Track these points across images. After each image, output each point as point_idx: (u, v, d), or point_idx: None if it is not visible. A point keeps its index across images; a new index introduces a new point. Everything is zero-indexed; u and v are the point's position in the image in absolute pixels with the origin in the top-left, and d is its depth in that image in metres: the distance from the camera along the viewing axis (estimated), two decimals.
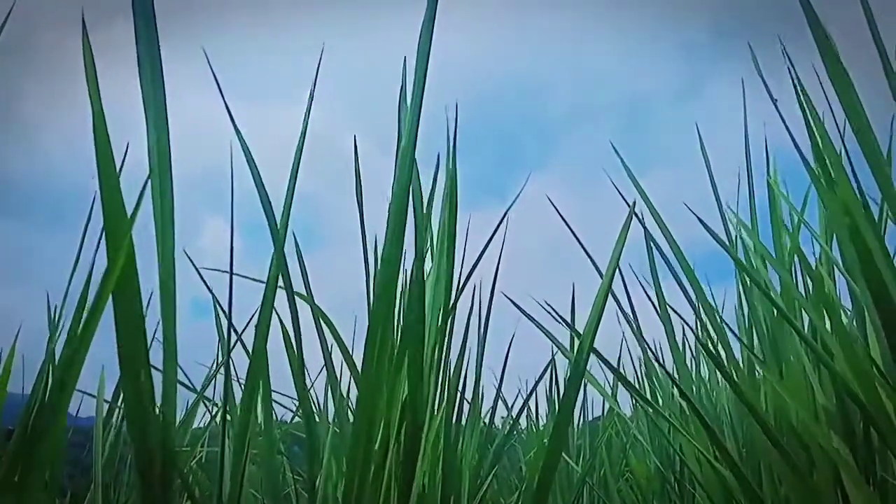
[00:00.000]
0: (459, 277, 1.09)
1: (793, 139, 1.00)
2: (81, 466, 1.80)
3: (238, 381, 1.12)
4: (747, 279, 1.28)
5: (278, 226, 0.84)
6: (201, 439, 1.94)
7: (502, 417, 2.09)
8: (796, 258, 1.27)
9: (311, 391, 1.58)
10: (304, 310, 1.08)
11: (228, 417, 0.91)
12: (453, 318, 1.11)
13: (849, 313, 1.21)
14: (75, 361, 0.61)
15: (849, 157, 0.95)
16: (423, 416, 0.93)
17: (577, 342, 1.39)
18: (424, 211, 1.09)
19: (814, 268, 1.23)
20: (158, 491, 0.66)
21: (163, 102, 0.67)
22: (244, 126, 0.85)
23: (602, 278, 0.93)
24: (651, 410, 1.55)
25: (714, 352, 1.32)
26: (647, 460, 1.94)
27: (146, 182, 0.64)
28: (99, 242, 0.83)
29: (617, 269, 0.94)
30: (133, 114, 0.66)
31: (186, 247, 0.99)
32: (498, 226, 1.17)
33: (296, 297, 1.01)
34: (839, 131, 0.98)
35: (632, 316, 1.46)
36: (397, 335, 0.93)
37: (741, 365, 1.31)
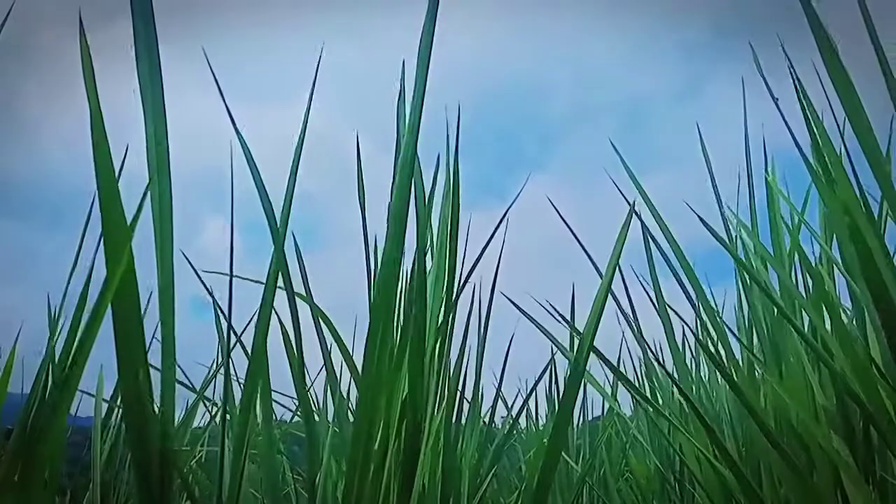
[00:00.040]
0: (459, 277, 1.09)
1: (793, 137, 1.00)
2: (80, 465, 1.80)
3: (238, 380, 1.12)
4: (747, 278, 1.28)
5: (278, 225, 0.84)
6: (201, 439, 1.94)
7: (502, 417, 2.09)
8: (796, 257, 1.27)
9: (311, 391, 1.59)
10: (304, 310, 1.08)
11: (228, 417, 0.91)
12: (453, 318, 1.11)
13: (849, 313, 1.21)
14: (77, 364, 0.61)
15: (849, 156, 0.95)
16: (423, 415, 0.93)
17: (576, 342, 1.40)
18: (425, 209, 1.09)
19: (813, 267, 1.23)
20: (157, 490, 0.66)
21: (161, 102, 0.67)
22: (244, 126, 0.85)
23: (602, 278, 0.93)
24: (651, 410, 1.55)
25: (714, 351, 1.32)
26: (646, 460, 1.93)
27: (146, 191, 0.64)
28: (99, 243, 0.83)
29: (617, 269, 0.94)
30: (133, 113, 0.66)
31: (186, 247, 0.99)
32: (498, 225, 1.16)
33: (296, 297, 1.01)
34: (839, 130, 0.98)
35: (631, 315, 1.46)
36: (397, 335, 0.93)
37: (741, 365, 1.31)
